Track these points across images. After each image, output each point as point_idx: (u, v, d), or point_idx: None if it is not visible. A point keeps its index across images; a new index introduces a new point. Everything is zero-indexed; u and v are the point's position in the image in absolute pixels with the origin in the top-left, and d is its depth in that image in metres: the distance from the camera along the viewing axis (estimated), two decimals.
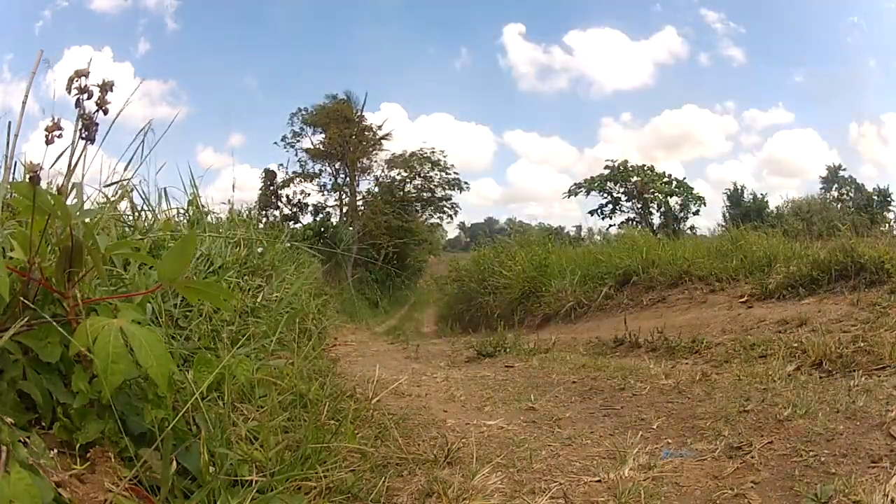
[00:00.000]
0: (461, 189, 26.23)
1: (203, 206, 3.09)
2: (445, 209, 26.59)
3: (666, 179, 26.31)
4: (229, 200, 3.86)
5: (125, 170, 1.81)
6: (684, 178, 26.36)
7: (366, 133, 24.28)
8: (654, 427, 2.08)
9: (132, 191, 2.38)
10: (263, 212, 21.12)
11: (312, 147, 24.63)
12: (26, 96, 1.53)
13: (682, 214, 25.95)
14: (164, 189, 2.72)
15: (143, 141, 1.76)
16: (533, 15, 38.19)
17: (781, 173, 36.86)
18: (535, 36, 36.62)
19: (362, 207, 24.28)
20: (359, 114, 23.98)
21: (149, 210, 2.58)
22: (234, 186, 4.32)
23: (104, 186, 1.83)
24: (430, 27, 34.52)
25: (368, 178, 25.55)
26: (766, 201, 25.37)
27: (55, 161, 1.21)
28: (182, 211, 2.92)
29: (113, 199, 1.94)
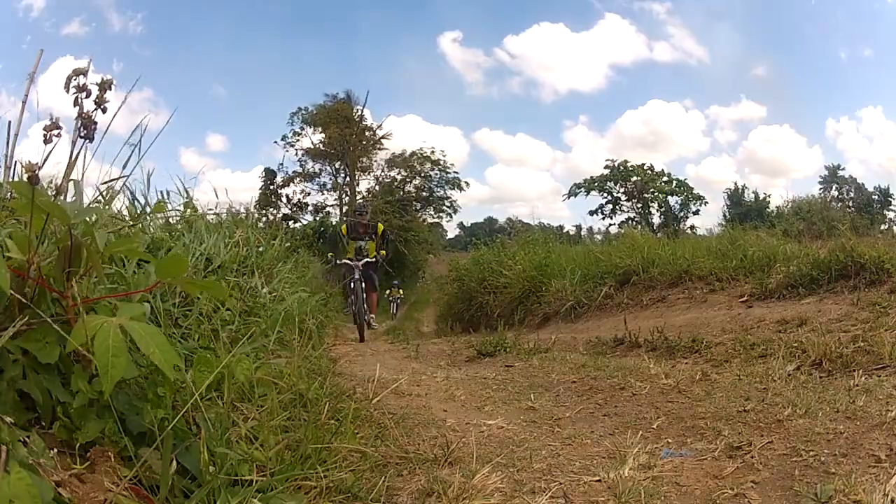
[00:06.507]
0: (460, 188, 26.24)
1: (199, 207, 3.11)
2: (445, 208, 26.64)
3: (665, 179, 26.33)
4: (218, 206, 3.87)
5: (122, 169, 1.81)
6: (685, 179, 26.40)
7: (366, 133, 24.29)
8: (654, 427, 2.08)
9: (128, 189, 2.39)
10: (263, 211, 21.14)
11: (312, 147, 24.65)
12: (26, 95, 1.53)
13: (682, 214, 25.98)
14: (163, 192, 2.75)
15: (139, 140, 1.76)
16: (466, 22, 39.18)
17: (764, 171, 36.69)
18: (471, 43, 37.25)
19: None
20: (359, 113, 23.99)
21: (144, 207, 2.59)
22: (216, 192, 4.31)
23: (102, 184, 1.84)
24: (367, 39, 35.72)
25: (368, 177, 25.56)
26: (768, 201, 25.38)
27: (45, 157, 1.21)
28: (178, 210, 2.93)
29: (109, 197, 1.95)
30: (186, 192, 3.12)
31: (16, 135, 1.57)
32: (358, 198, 23.98)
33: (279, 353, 2.06)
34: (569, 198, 27.57)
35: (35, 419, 1.05)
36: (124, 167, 1.80)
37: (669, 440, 1.93)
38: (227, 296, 1.38)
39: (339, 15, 35.27)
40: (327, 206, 25.31)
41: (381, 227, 7.36)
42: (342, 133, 23.70)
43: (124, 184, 2.19)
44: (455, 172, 26.02)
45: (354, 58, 37.85)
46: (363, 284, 6.59)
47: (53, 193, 1.28)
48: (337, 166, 24.84)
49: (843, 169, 26.88)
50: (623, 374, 2.88)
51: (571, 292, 6.27)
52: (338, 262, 6.93)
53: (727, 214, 24.54)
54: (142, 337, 1.02)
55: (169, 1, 37.21)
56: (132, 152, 1.77)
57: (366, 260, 6.87)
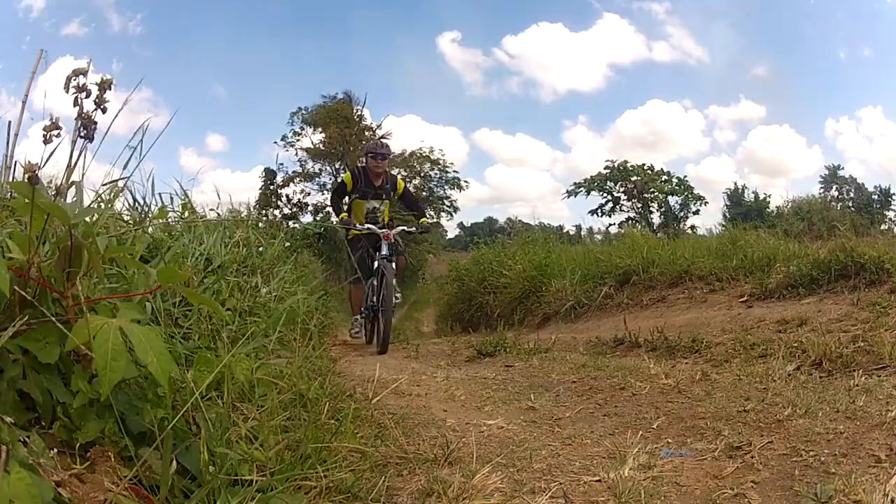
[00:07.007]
0: (460, 188, 26.25)
1: (197, 208, 3.13)
2: (445, 208, 26.64)
3: (665, 178, 26.33)
4: (219, 206, 3.88)
5: (123, 170, 1.82)
6: (685, 177, 26.42)
7: (366, 133, 24.29)
8: (654, 426, 2.08)
9: (129, 190, 2.40)
10: (263, 211, 21.16)
11: (312, 147, 24.66)
12: (26, 95, 1.53)
13: (682, 214, 25.99)
14: (161, 194, 2.77)
15: (141, 141, 1.77)
16: (464, 22, 39.52)
17: (763, 171, 36.79)
18: (470, 43, 37.60)
19: None
20: (359, 113, 24.00)
21: (145, 208, 2.60)
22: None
23: (103, 184, 1.85)
24: (367, 39, 36.00)
25: None
26: (768, 201, 25.36)
27: (46, 158, 1.21)
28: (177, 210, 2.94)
29: (110, 197, 1.96)
30: (185, 194, 3.13)
31: (16, 135, 1.57)
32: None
33: (279, 353, 2.06)
34: (568, 197, 27.59)
35: (35, 419, 1.05)
36: (125, 168, 1.81)
37: (669, 440, 1.93)
38: (221, 312, 1.41)
39: (338, 15, 35.54)
40: (327, 206, 25.30)
41: (400, 183, 5.09)
42: (342, 133, 23.70)
43: (125, 185, 2.20)
44: (455, 172, 26.04)
45: (354, 58, 38.10)
46: (392, 265, 4.59)
47: (53, 194, 1.28)
48: (337, 166, 24.83)
49: (843, 169, 26.93)
50: (623, 374, 2.88)
51: (571, 292, 6.27)
52: (358, 227, 4.70)
53: (727, 214, 24.53)
54: (140, 343, 1.02)
55: (169, 1, 37.57)
56: (133, 153, 1.77)
57: (401, 228, 4.82)
